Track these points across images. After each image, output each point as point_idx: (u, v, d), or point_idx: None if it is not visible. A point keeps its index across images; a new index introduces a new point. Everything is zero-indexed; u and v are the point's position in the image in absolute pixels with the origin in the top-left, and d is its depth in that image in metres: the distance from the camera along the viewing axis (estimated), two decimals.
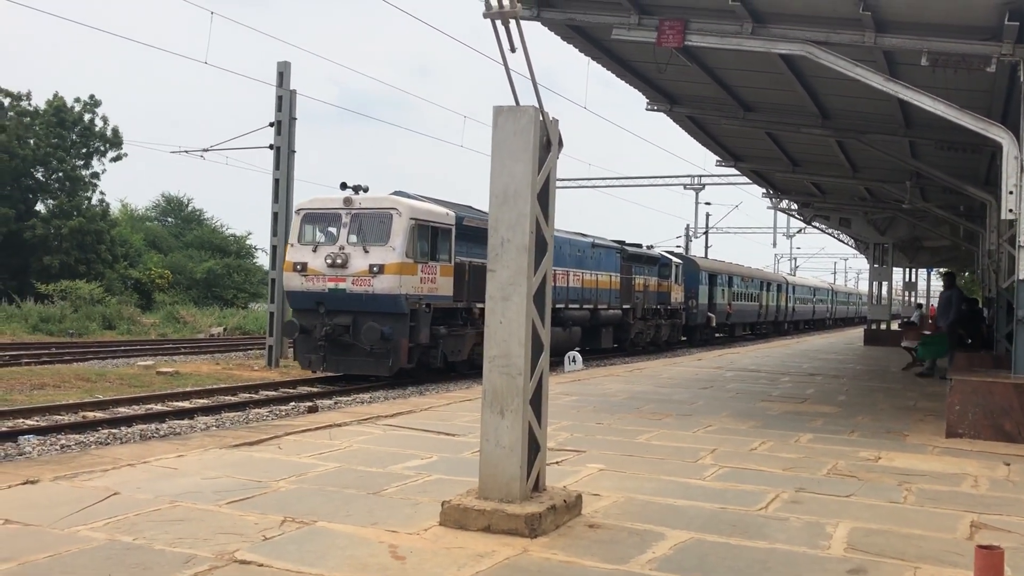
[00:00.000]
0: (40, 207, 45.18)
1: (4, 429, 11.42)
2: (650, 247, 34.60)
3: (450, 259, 18.65)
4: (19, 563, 4.23)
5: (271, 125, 22.57)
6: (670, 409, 10.89)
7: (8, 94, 44.54)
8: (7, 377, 16.26)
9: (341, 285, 17.29)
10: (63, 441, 10.98)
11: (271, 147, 22.56)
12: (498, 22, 4.97)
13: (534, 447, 5.20)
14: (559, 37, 11.77)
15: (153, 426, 12.32)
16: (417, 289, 17.44)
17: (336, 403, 14.98)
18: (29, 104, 45.07)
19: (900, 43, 9.46)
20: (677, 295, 34.76)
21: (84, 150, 46.58)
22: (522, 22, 5.08)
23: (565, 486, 5.85)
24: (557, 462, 7.03)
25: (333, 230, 17.84)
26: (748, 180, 26.58)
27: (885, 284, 33.18)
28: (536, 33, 11.11)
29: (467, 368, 19.73)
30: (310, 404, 14.54)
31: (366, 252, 17.21)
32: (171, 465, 6.71)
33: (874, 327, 33.77)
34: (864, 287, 74.27)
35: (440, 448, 7.73)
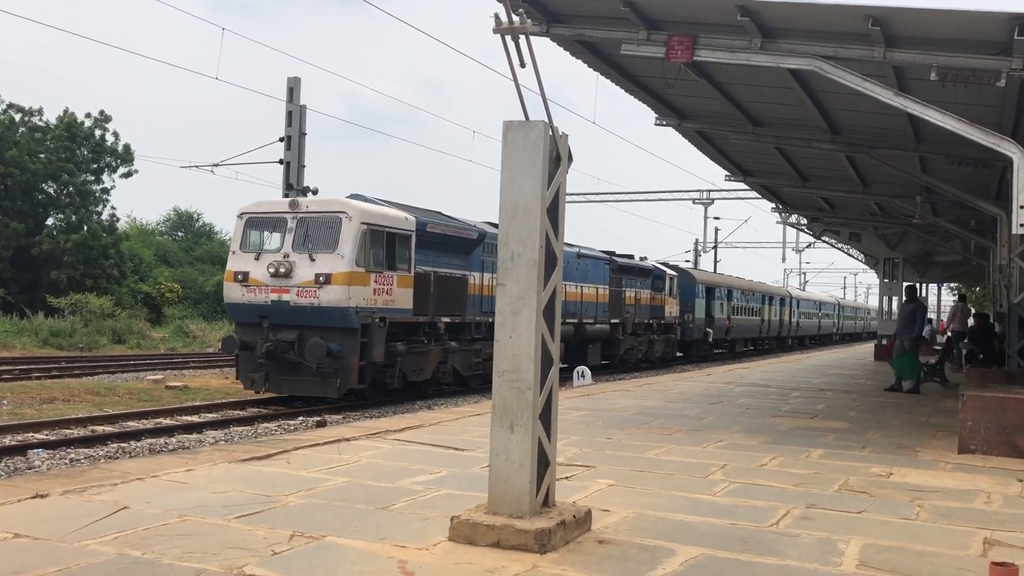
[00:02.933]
0: (50, 221, 45.44)
1: (14, 443, 11.45)
2: (643, 259, 33.42)
3: (409, 268, 16.87)
4: None
5: (281, 140, 22.70)
6: (680, 424, 10.84)
7: (19, 109, 44.88)
8: (17, 391, 16.31)
9: (285, 297, 15.61)
10: (72, 455, 11.00)
11: (281, 162, 22.66)
12: (508, 38, 4.99)
13: (544, 462, 5.18)
14: (568, 53, 11.82)
15: (162, 440, 12.34)
16: (369, 301, 15.69)
17: (345, 417, 14.96)
18: (40, 119, 45.41)
19: (910, 58, 9.46)
20: (672, 309, 33.58)
21: (95, 165, 46.86)
22: (531, 38, 5.10)
23: (575, 501, 5.83)
24: (567, 477, 7.01)
25: (278, 236, 16.11)
26: (757, 195, 26.56)
27: (895, 299, 33.07)
28: (545, 48, 11.18)
29: (432, 387, 18.58)
30: (319, 419, 14.53)
31: (312, 260, 15.50)
32: (180, 479, 6.70)
33: (884, 342, 33.62)
34: (874, 302, 74.01)
35: (449, 463, 7.71)
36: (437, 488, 6.61)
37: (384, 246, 16.17)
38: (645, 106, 14.63)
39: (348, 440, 8.87)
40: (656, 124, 15.27)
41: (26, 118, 44.92)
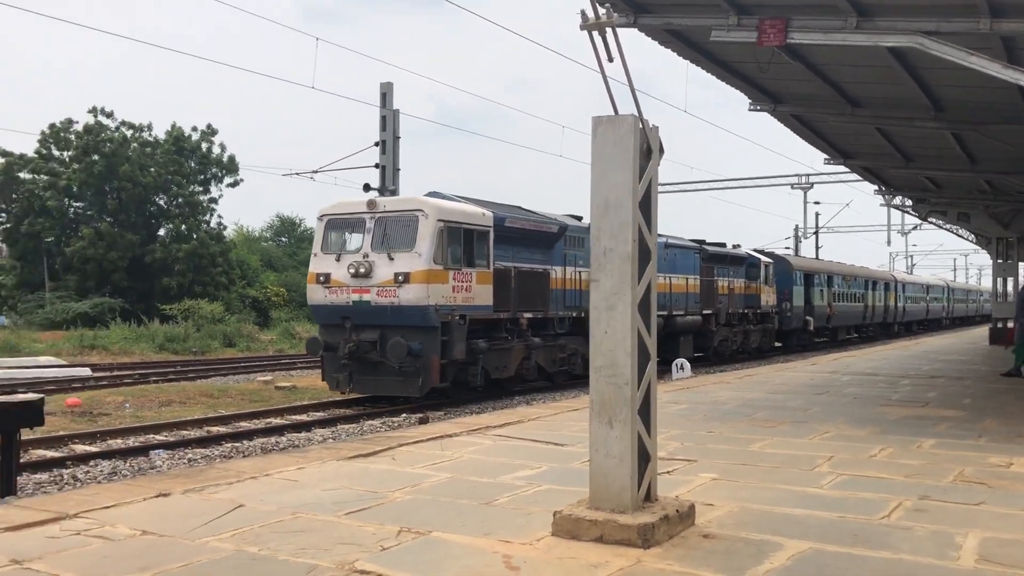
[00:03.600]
0: (162, 232, 47.58)
1: (137, 444, 12.06)
2: (736, 246, 32.35)
3: (488, 264, 16.76)
4: (156, 572, 4.47)
5: (376, 145, 23.17)
6: (784, 416, 10.62)
7: (131, 126, 47.14)
8: (138, 395, 17.15)
9: (365, 297, 15.66)
10: (190, 455, 11.52)
11: (376, 166, 23.14)
12: (594, 33, 5.00)
13: (644, 457, 5.17)
14: (657, 42, 11.70)
15: (273, 439, 12.78)
16: (449, 299, 15.66)
17: (446, 414, 15.20)
18: (150, 135, 47.59)
19: (1019, 27, 9.02)
20: (768, 297, 32.42)
21: (202, 176, 48.85)
22: (618, 30, 5.09)
23: (677, 496, 5.80)
24: (668, 471, 6.97)
25: (358, 236, 16.20)
26: (858, 177, 25.70)
27: (1010, 280, 31.51)
28: (632, 38, 11.02)
29: (516, 384, 18.37)
30: (421, 415, 14.80)
31: (391, 259, 15.53)
32: (291, 477, 6.95)
33: (999, 325, 32.06)
34: (987, 284, 70.63)
35: (549, 458, 7.76)
36: (538, 483, 6.66)
37: (462, 243, 16.09)
38: (738, 92, 14.37)
39: (450, 436, 9.02)
40: (750, 109, 14.96)
41: (137, 134, 47.17)
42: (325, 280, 16.06)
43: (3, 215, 46.60)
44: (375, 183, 23.16)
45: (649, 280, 5.26)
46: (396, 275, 15.32)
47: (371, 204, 16.14)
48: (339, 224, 16.50)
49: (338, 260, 16.02)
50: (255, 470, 7.24)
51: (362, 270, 15.61)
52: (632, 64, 5.21)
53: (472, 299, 16.25)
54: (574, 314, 19.54)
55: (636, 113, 5.18)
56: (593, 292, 5.17)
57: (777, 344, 34.27)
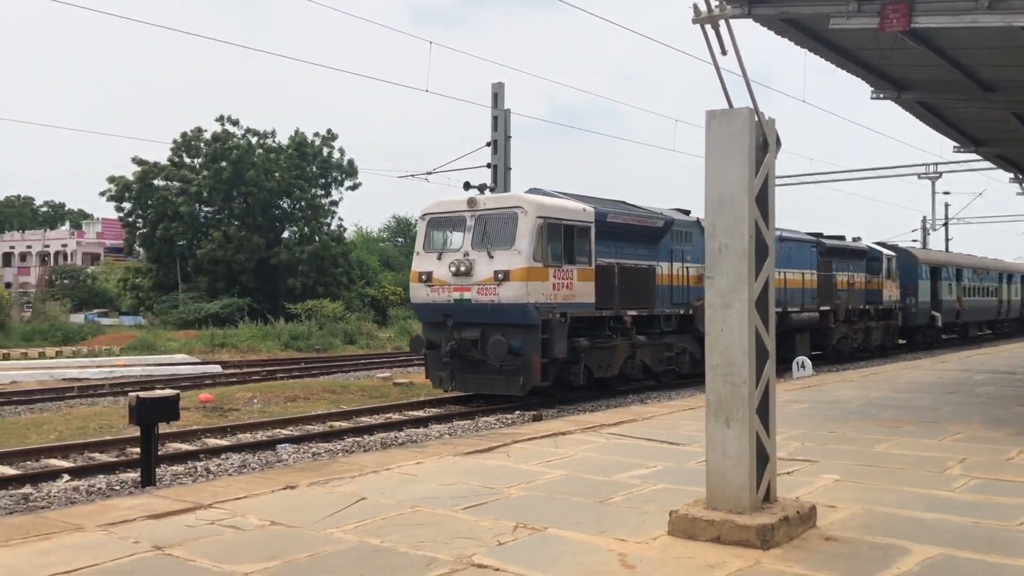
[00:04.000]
0: (286, 234, 49.44)
1: (264, 438, 12.58)
2: (856, 239, 30.76)
3: (590, 261, 16.40)
4: (284, 561, 4.68)
5: (488, 145, 23.41)
6: (911, 416, 10.19)
7: (256, 133, 49.14)
8: (265, 391, 17.88)
9: (466, 295, 15.56)
10: (314, 449, 11.92)
11: (488, 166, 23.38)
12: (707, 26, 4.93)
13: (763, 457, 5.07)
14: (772, 32, 11.40)
15: (392, 434, 13.10)
16: (549, 296, 15.42)
17: (560, 411, 15.24)
18: (273, 141, 49.50)
19: None
20: (891, 292, 30.72)
21: (323, 180, 50.50)
22: (732, 21, 5.00)
23: (797, 497, 5.66)
24: (788, 472, 6.80)
25: (458, 235, 16.14)
26: (992, 165, 24.35)
27: None
28: (746, 28, 10.85)
29: (620, 384, 17.85)
30: (535, 413, 14.88)
31: (491, 257, 15.37)
32: (410, 472, 7.13)
33: None
34: None
35: (664, 457, 7.70)
36: (654, 482, 6.62)
37: (562, 239, 15.84)
38: (859, 79, 13.84)
39: (564, 434, 9.05)
40: (872, 98, 14.38)
41: (262, 140, 49.13)
42: (427, 279, 16.14)
43: (140, 221, 49.37)
44: (488, 183, 23.42)
45: (767, 277, 5.15)
46: (496, 273, 15.24)
47: (471, 202, 16.06)
48: (440, 223, 16.52)
49: (439, 259, 16.06)
50: (376, 464, 7.46)
51: (462, 268, 15.56)
52: (746, 54, 5.11)
53: (573, 297, 16.00)
54: (681, 311, 19.05)
55: (751, 106, 5.08)
56: (708, 289, 5.10)
57: (901, 341, 32.58)
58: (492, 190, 17.13)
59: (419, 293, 16.37)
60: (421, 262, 16.44)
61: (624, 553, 4.77)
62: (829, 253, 26.89)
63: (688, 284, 19.28)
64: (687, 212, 20.49)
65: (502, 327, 15.22)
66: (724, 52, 4.98)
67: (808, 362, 19.93)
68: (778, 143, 5.31)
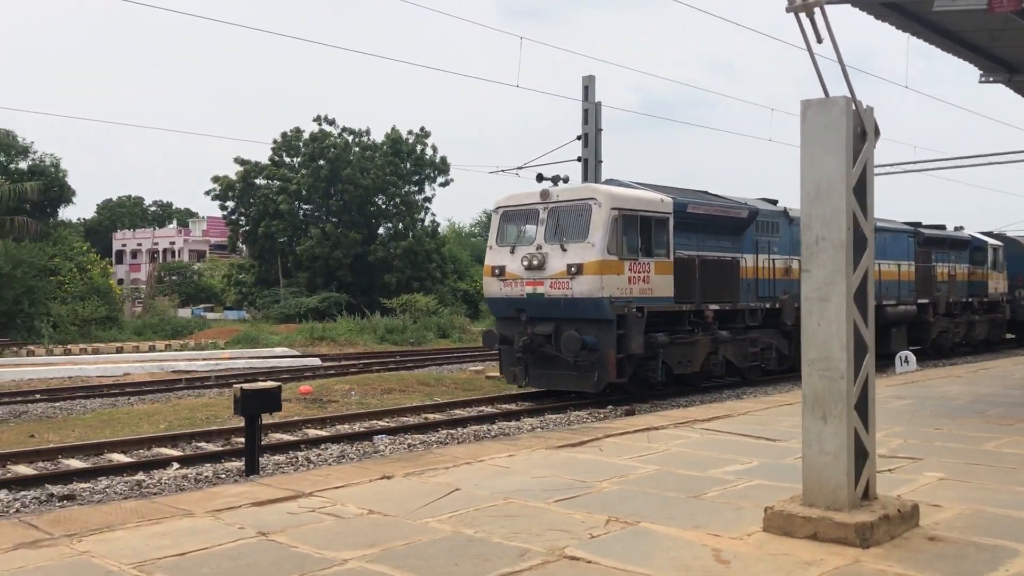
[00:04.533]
0: (381, 231, 50.46)
1: (362, 429, 12.90)
2: (958, 228, 29.17)
3: (668, 253, 15.84)
4: (382, 549, 4.81)
5: (578, 138, 23.36)
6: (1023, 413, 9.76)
7: (352, 132, 50.27)
8: (362, 383, 18.30)
9: (539, 289, 15.20)
10: (409, 440, 12.17)
11: (579, 159, 23.33)
12: (802, 15, 4.82)
13: (861, 453, 4.95)
14: (872, 16, 11.05)
15: (484, 427, 13.25)
16: (624, 291, 14.91)
17: (653, 406, 15.13)
18: (368, 139, 50.54)
19: None
20: (997, 284, 28.98)
21: (416, 177, 51.33)
22: (827, 6, 4.88)
23: (899, 495, 5.50)
24: (889, 470, 6.61)
25: (531, 228, 15.75)
26: None
27: None
28: (842, 13, 10.47)
29: (702, 380, 17.27)
30: (627, 408, 14.83)
31: (564, 250, 14.97)
32: (503, 464, 7.21)
33: None
34: None
35: (760, 453, 7.58)
36: (749, 478, 6.53)
37: (638, 231, 15.32)
38: (966, 63, 13.27)
39: (657, 429, 9.00)
40: (981, 81, 13.78)
41: (357, 139, 50.24)
42: (500, 273, 15.85)
43: (243, 219, 51.14)
44: (577, 177, 23.37)
45: (865, 269, 5.02)
46: (569, 267, 14.82)
47: (544, 194, 15.65)
48: (514, 216, 16.20)
49: (512, 252, 15.72)
50: (469, 456, 7.58)
51: (535, 262, 15.21)
52: (843, 40, 4.99)
53: (650, 291, 15.45)
54: (767, 305, 18.34)
55: (848, 94, 4.96)
56: (804, 282, 5.01)
57: (1009, 336, 30.73)
58: (565, 181, 16.61)
59: (492, 287, 16.12)
60: (494, 256, 16.20)
61: (718, 548, 4.73)
62: (927, 243, 25.67)
63: (774, 277, 18.62)
64: (774, 202, 19.80)
65: (576, 322, 14.88)
66: (820, 40, 4.87)
67: (911, 357, 19.26)
68: (877, 132, 5.16)
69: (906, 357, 19.22)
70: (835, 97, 4.95)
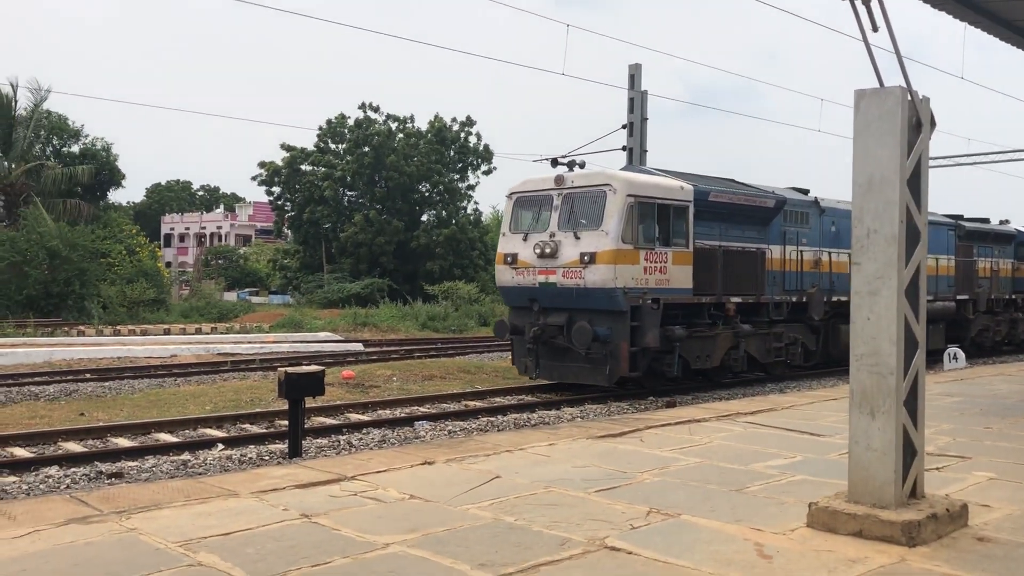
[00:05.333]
0: (425, 218, 50.69)
1: (403, 415, 12.99)
2: (1004, 222, 27.78)
3: (687, 243, 15.17)
4: (423, 534, 4.84)
5: (623, 127, 23.20)
6: None
7: (396, 119, 50.48)
8: (403, 369, 18.43)
9: (551, 278, 14.64)
10: (450, 427, 12.22)
11: (624, 148, 23.18)
12: (857, 2, 4.73)
13: (909, 451, 4.87)
14: (928, 5, 10.79)
15: (525, 415, 13.26)
16: (639, 281, 14.30)
17: (694, 398, 15.04)
18: (412, 127, 50.72)
19: None
20: None
21: (460, 164, 51.43)
22: None
23: (947, 494, 5.39)
24: (938, 468, 6.49)
25: (545, 214, 15.14)
26: None
27: None
28: (897, 1, 10.24)
29: (724, 376, 16.67)
30: (668, 399, 14.74)
31: (577, 238, 14.37)
32: (543, 452, 7.22)
33: None
34: None
35: (804, 448, 7.49)
36: (792, 473, 6.46)
37: (655, 219, 14.70)
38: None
39: (698, 421, 8.94)
40: None
41: (402, 126, 50.45)
42: (512, 261, 15.30)
43: (288, 204, 51.68)
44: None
45: (918, 264, 4.93)
46: (582, 255, 14.24)
47: (559, 180, 15.02)
48: (527, 202, 15.59)
49: (525, 240, 15.16)
50: (510, 444, 7.59)
51: (548, 250, 14.65)
52: (899, 28, 4.88)
53: (667, 281, 14.83)
54: (794, 299, 17.55)
55: (904, 84, 4.85)
56: (854, 276, 4.92)
57: None
58: (581, 167, 16.09)
59: (504, 276, 15.61)
60: (507, 243, 15.63)
61: (761, 543, 4.69)
62: (969, 237, 24.51)
63: (802, 270, 17.87)
64: (805, 191, 19.10)
65: (589, 313, 14.37)
66: (875, 29, 4.77)
67: (961, 354, 18.88)
68: (932, 123, 5.05)
69: (955, 354, 18.85)
70: (890, 87, 4.84)
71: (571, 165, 15.40)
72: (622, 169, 15.88)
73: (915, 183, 4.93)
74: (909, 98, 4.83)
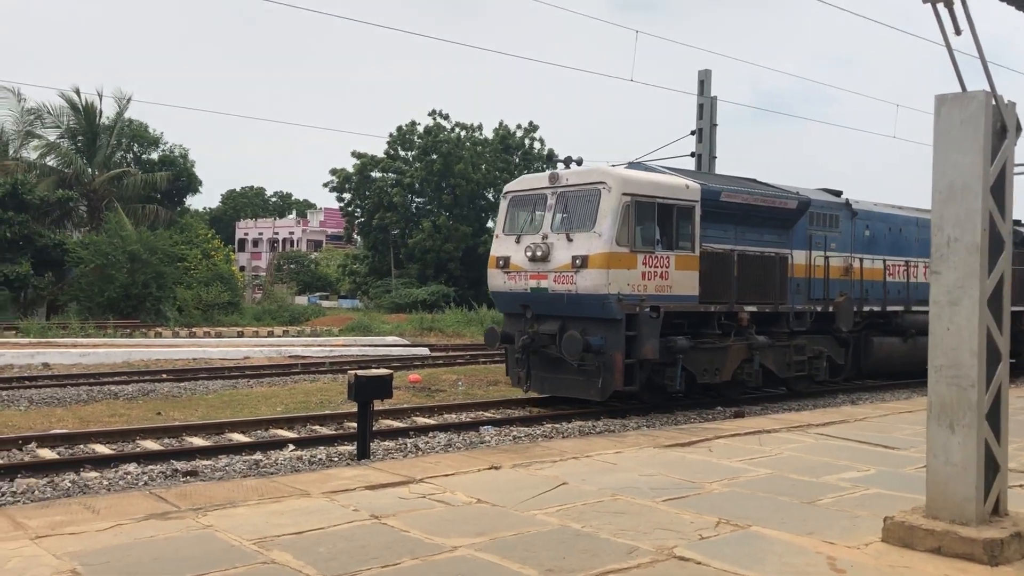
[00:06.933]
0: (490, 224, 50.98)
1: (468, 419, 13.07)
2: None
3: (693, 247, 13.90)
4: (491, 538, 4.87)
5: (692, 133, 22.98)
6: None
7: (464, 127, 50.93)
8: (468, 374, 18.55)
9: (543, 283, 13.57)
10: (515, 432, 12.24)
11: (693, 155, 22.96)
12: (939, 5, 4.62)
13: (992, 466, 4.72)
14: (1013, 7, 10.45)
15: (590, 423, 13.21)
16: (636, 287, 13.11)
17: (764, 408, 14.79)
18: (479, 134, 51.10)
19: None
20: None
21: (526, 171, 51.59)
22: None
23: None
24: (1021, 485, 6.27)
25: (539, 215, 14.07)
26: None
27: None
28: (979, 2, 9.89)
29: (736, 391, 15.38)
30: (736, 409, 14.53)
31: (569, 240, 13.27)
32: (610, 460, 7.19)
33: None
34: None
35: (878, 461, 7.31)
36: (866, 486, 6.31)
37: (656, 220, 13.53)
38: None
39: (768, 432, 8.80)
40: None
41: (470, 134, 50.88)
42: (504, 264, 14.26)
43: (358, 210, 52.52)
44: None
45: (1001, 273, 4.78)
46: (573, 259, 13.15)
47: (553, 178, 14.02)
48: (521, 201, 14.53)
49: (518, 242, 14.11)
50: (576, 451, 7.58)
51: (539, 253, 13.55)
52: (983, 31, 4.75)
53: (669, 288, 13.59)
54: (819, 308, 16.18)
55: (988, 89, 4.72)
56: (933, 285, 4.80)
57: None
58: (579, 163, 15.14)
59: (496, 281, 14.51)
60: (499, 246, 14.59)
61: (833, 557, 4.59)
62: None
63: (828, 276, 16.43)
64: (837, 193, 17.80)
65: (583, 321, 13.27)
66: (958, 32, 4.65)
67: None
68: (1019, 128, 4.90)
69: None
70: (973, 92, 4.72)
71: (567, 162, 14.42)
72: (625, 166, 14.59)
73: (999, 190, 4.79)
74: (993, 103, 4.70)
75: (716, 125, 22.87)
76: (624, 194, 13.10)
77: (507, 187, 15.10)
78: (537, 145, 51.68)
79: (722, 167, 22.25)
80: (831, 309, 16.26)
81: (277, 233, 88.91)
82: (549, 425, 12.89)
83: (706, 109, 22.72)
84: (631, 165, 14.87)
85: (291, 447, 10.66)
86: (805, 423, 9.43)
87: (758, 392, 16.24)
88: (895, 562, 4.49)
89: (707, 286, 14.14)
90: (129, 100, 41.30)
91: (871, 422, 9.65)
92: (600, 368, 13.05)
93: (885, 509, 5.21)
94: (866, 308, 17.07)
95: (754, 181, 16.56)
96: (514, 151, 51.18)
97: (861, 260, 17.15)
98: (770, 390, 16.54)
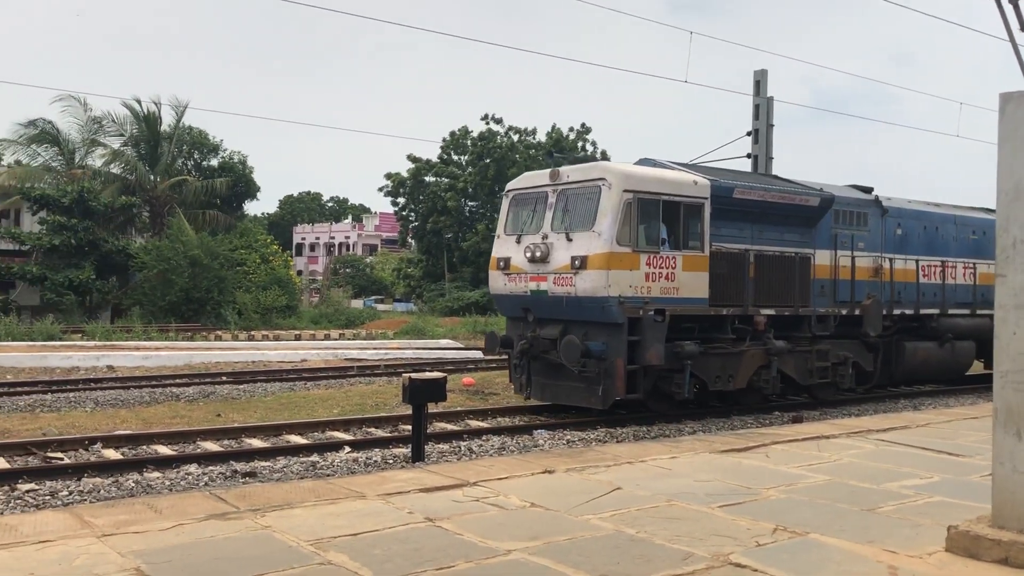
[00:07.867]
0: None
1: (522, 423, 13.07)
2: None
3: (702, 246, 13.15)
4: (544, 541, 4.87)
5: (748, 134, 22.71)
6: None
7: (517, 131, 51.08)
8: None
9: (543, 285, 12.99)
10: (568, 437, 12.21)
11: (749, 156, 22.69)
12: (1004, 0, 4.50)
13: None
14: None
15: (644, 428, 13.11)
16: (639, 289, 12.45)
17: (822, 414, 14.54)
18: (533, 138, 51.20)
19: None
20: None
21: None
22: None
23: None
24: None
25: (540, 214, 13.49)
26: None
27: None
28: None
29: (752, 399, 14.59)
30: (794, 414, 14.31)
31: (569, 240, 12.67)
32: (665, 465, 7.13)
33: None
34: None
35: (941, 468, 7.14)
36: (928, 494, 6.17)
37: (661, 219, 12.86)
38: None
39: (827, 438, 8.65)
40: None
41: (523, 138, 51.01)
42: (504, 266, 13.72)
43: (412, 214, 52.99)
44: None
45: None
46: (573, 259, 12.57)
47: (554, 175, 13.45)
48: (523, 200, 13.94)
49: (518, 242, 13.53)
50: (630, 455, 7.54)
51: (539, 254, 12.99)
52: None
53: (675, 290, 12.90)
54: (844, 311, 15.25)
55: None
56: (999, 288, 4.68)
57: None
58: (582, 160, 14.34)
59: (496, 283, 13.99)
60: (500, 246, 14.06)
61: (895, 566, 4.50)
62: None
63: (854, 278, 15.50)
64: (868, 190, 16.82)
65: (584, 324, 12.71)
66: (1023, 28, 4.53)
67: None
68: None
69: None
70: None
71: (572, 157, 14.11)
72: (635, 163, 14.05)
73: None
74: None
75: (772, 126, 22.57)
76: (625, 191, 12.50)
77: (509, 185, 14.58)
78: (589, 148, 51.59)
79: (779, 169, 21.95)
80: (857, 312, 15.45)
81: (333, 237, 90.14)
82: (603, 430, 12.83)
83: (762, 110, 22.44)
84: (640, 162, 14.27)
85: (347, 449, 10.78)
86: (865, 429, 9.26)
87: (786, 400, 15.45)
88: (959, 573, 4.38)
89: (719, 288, 13.48)
90: (186, 108, 42.22)
91: (934, 428, 9.43)
92: (601, 375, 12.50)
93: (949, 518, 5.08)
94: (897, 311, 16.24)
95: (775, 178, 15.99)
96: (568, 154, 51.18)
97: (892, 260, 16.25)
98: (795, 398, 15.70)
